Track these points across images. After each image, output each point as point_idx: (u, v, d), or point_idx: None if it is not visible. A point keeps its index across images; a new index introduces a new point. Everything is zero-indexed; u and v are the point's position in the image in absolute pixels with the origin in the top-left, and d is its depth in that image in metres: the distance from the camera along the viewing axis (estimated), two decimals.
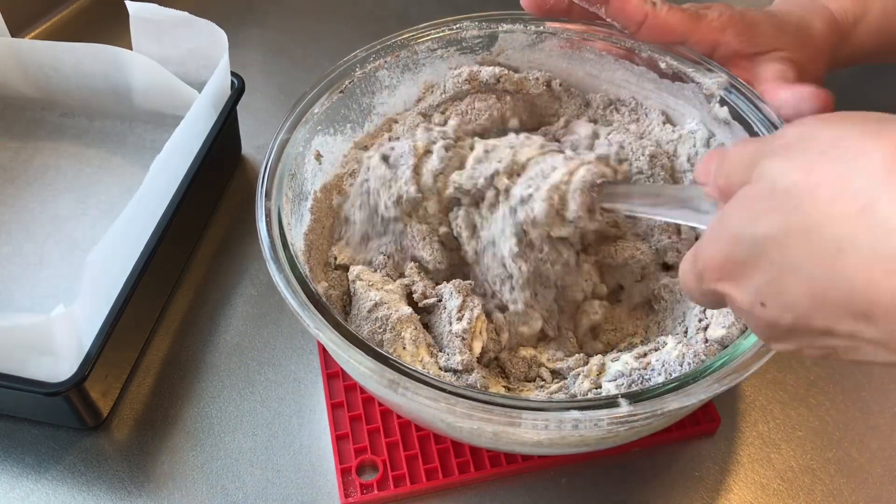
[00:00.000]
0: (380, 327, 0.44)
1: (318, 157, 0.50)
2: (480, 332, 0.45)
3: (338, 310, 0.46)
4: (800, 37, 0.51)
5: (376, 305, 0.45)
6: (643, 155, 0.50)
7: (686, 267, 0.35)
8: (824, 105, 0.47)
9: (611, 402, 0.37)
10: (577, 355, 0.46)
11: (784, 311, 0.29)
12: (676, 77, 0.51)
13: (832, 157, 0.28)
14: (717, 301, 0.34)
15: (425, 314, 0.47)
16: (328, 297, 0.46)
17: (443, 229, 0.48)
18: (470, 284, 0.46)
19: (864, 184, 0.26)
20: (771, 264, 0.29)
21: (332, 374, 0.50)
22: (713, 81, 0.49)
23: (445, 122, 0.53)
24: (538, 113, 0.56)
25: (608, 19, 0.51)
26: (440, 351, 0.45)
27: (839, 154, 0.27)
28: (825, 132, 0.29)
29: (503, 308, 0.46)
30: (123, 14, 0.58)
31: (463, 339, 0.44)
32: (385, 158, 0.48)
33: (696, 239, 0.49)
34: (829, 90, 0.47)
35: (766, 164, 0.30)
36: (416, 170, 0.47)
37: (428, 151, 0.48)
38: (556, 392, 0.44)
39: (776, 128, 0.47)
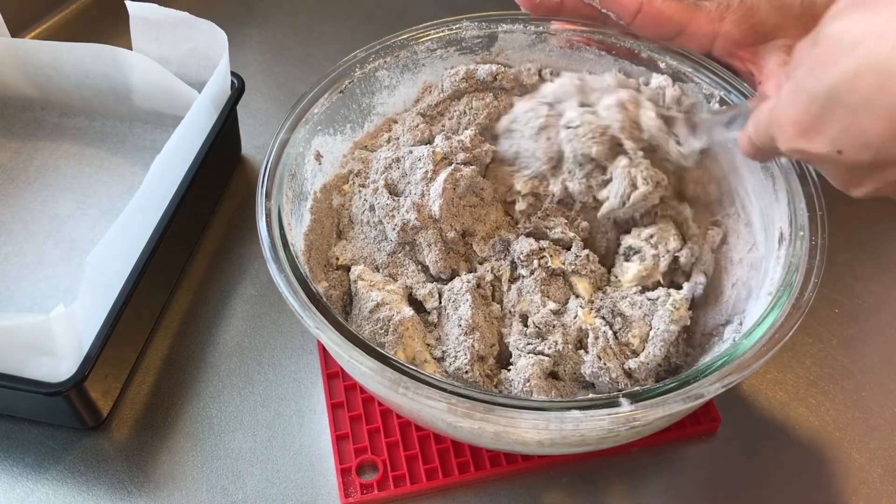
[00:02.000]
0: (381, 328, 0.44)
1: (318, 157, 0.50)
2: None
3: (338, 310, 0.46)
4: (805, 17, 0.49)
5: (378, 306, 0.45)
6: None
7: (752, 132, 0.39)
8: None
9: (612, 402, 0.37)
10: None
11: (862, 150, 0.33)
12: (676, 77, 0.51)
13: (890, 8, 0.31)
14: (790, 156, 0.39)
15: (426, 314, 0.47)
16: (328, 297, 0.46)
17: (450, 234, 0.48)
18: (476, 284, 0.47)
19: None
20: (845, 110, 0.32)
21: (332, 374, 0.50)
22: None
23: (458, 130, 0.53)
24: None
25: (603, 10, 0.51)
26: (443, 355, 0.45)
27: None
28: None
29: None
30: (123, 14, 0.58)
31: (471, 346, 0.44)
32: (389, 187, 0.49)
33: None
34: None
35: (826, 27, 0.33)
36: (423, 196, 0.48)
37: (445, 159, 0.48)
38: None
39: None
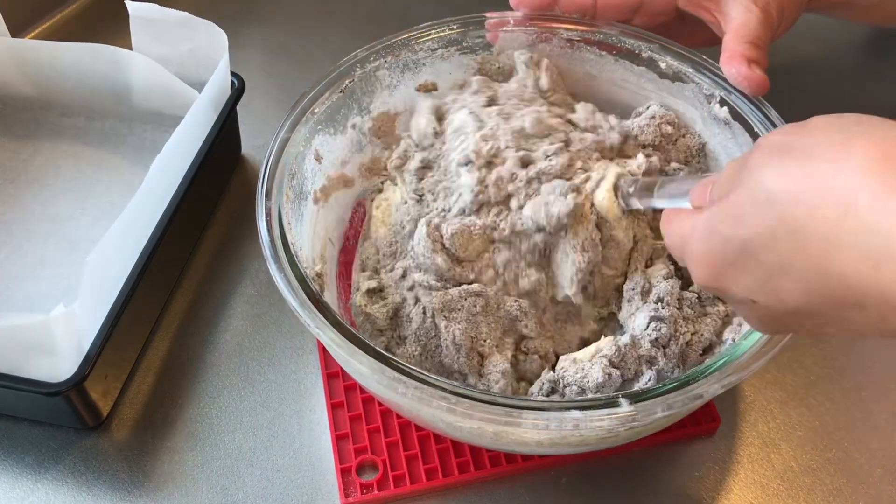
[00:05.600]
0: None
1: (318, 156, 0.50)
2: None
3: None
4: None
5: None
6: None
7: (667, 239, 0.38)
8: (758, 88, 0.48)
9: (611, 402, 0.37)
10: None
11: (777, 304, 0.31)
12: (676, 77, 0.51)
13: (813, 164, 0.29)
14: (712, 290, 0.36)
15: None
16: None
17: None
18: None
19: (844, 186, 0.28)
20: (759, 265, 0.31)
21: (332, 374, 0.50)
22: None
23: None
24: None
25: (565, 14, 0.53)
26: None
27: (818, 161, 0.29)
28: (803, 140, 0.30)
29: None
30: (123, 14, 0.58)
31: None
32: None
33: None
34: (778, 76, 0.48)
35: (750, 173, 0.31)
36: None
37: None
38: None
39: (776, 127, 0.47)
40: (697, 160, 0.52)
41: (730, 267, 0.32)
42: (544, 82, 0.52)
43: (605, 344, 0.43)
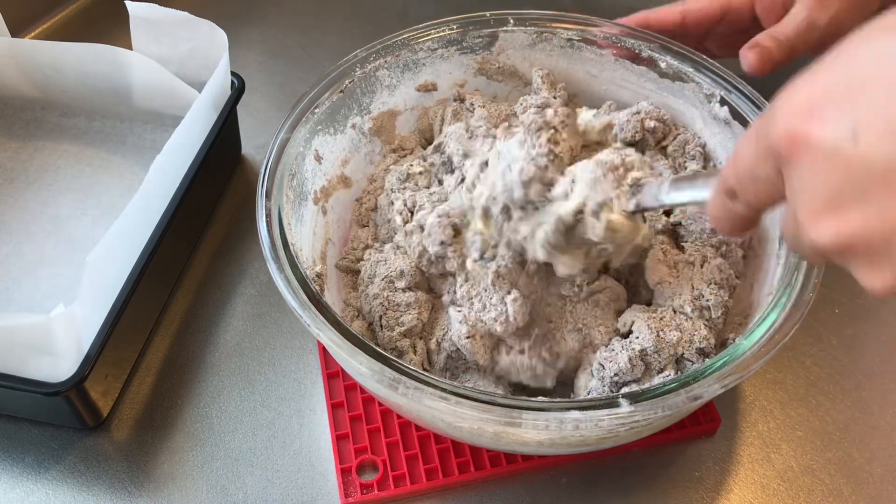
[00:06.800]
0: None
1: (318, 157, 0.50)
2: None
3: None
4: None
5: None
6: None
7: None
8: (748, 68, 0.52)
9: (611, 402, 0.37)
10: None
11: (883, 148, 0.26)
12: (676, 77, 0.51)
13: None
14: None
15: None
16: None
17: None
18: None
19: None
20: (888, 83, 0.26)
21: (332, 374, 0.50)
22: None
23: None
24: None
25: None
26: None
27: None
28: None
29: None
30: (123, 14, 0.58)
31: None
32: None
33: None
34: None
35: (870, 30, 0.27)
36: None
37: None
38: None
39: None
40: (696, 160, 0.52)
41: (849, 90, 0.27)
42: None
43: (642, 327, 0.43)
